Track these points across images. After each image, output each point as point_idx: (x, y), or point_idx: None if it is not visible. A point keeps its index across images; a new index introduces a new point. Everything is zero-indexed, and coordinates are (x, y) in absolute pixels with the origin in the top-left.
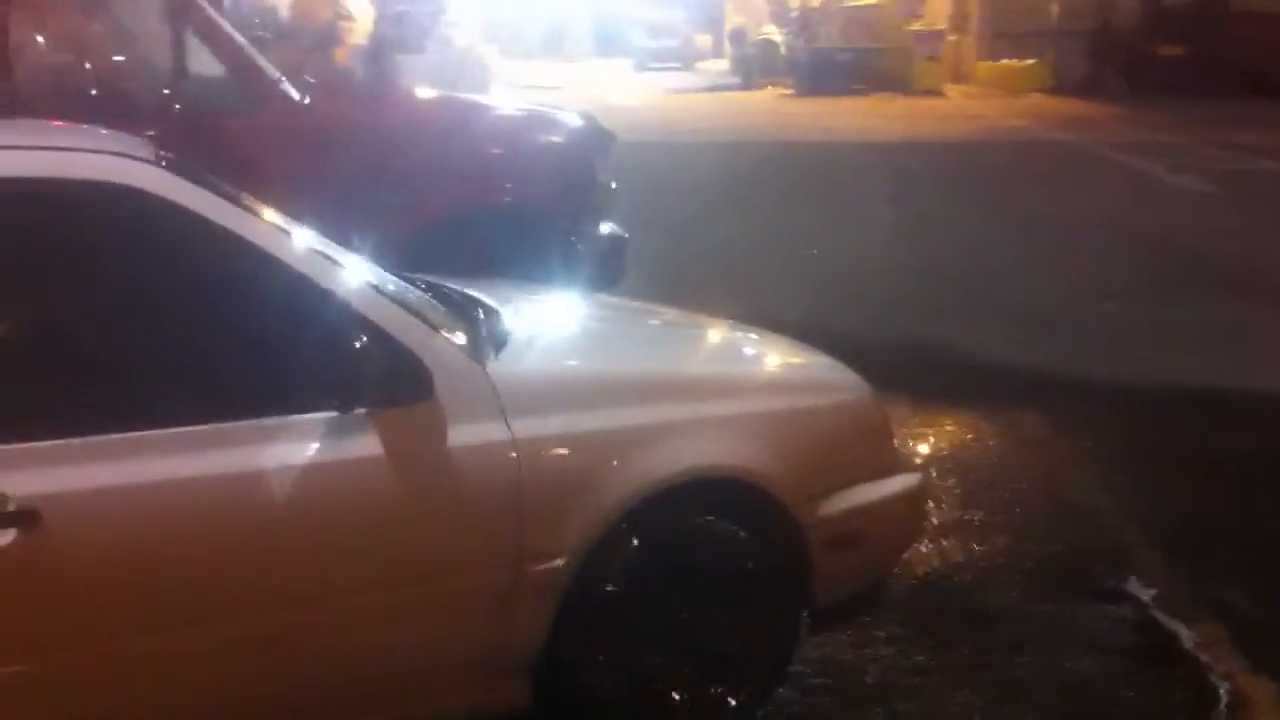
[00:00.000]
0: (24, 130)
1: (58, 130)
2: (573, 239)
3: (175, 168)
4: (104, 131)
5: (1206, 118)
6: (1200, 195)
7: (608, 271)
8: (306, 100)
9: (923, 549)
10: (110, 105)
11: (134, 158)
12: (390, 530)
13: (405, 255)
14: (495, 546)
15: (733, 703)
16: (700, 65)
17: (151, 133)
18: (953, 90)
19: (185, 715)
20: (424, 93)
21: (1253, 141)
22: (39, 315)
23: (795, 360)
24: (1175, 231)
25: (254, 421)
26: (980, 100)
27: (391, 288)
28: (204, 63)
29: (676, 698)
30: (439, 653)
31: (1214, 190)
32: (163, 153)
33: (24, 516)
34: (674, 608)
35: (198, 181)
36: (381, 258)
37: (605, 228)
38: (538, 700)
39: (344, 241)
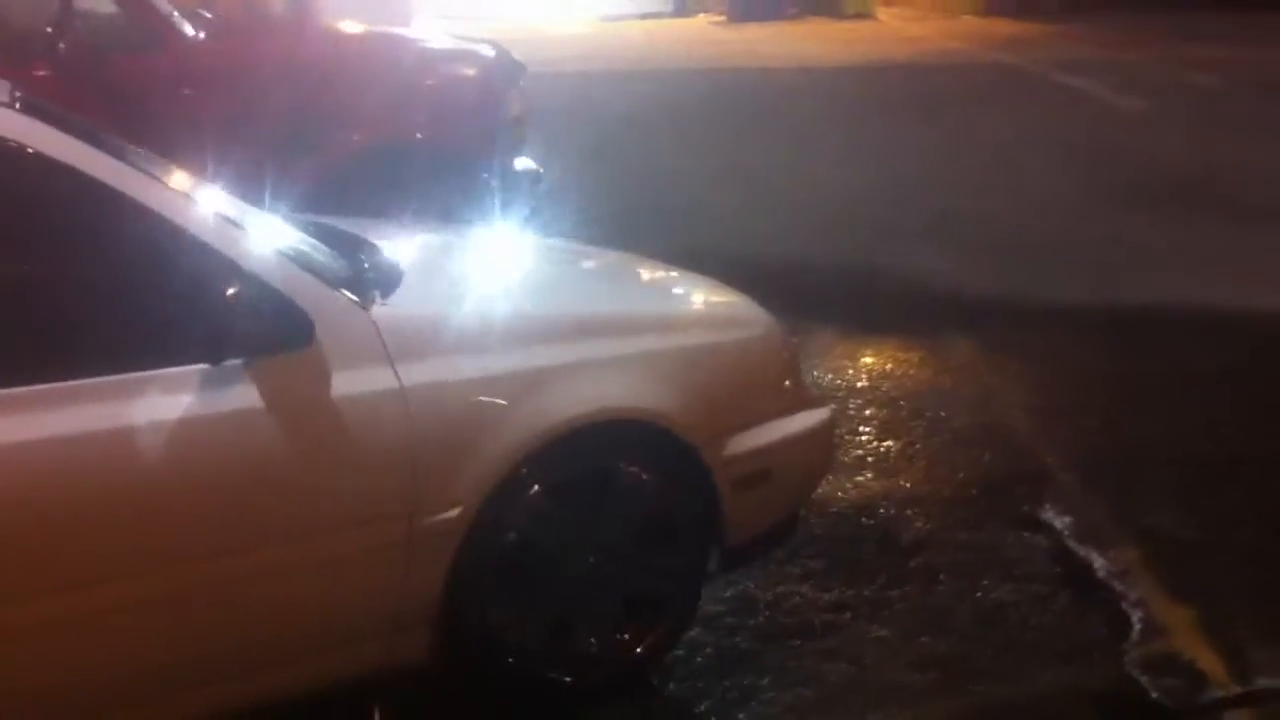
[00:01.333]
0: None
1: None
2: (485, 175)
3: (30, 109)
4: None
5: (1143, 34)
6: (1141, 113)
7: (521, 207)
8: (200, 36)
9: (840, 482)
10: None
11: None
12: (272, 484)
13: (310, 196)
14: (386, 497)
15: (642, 647)
16: None
17: (39, 73)
18: (885, 14)
19: (73, 683)
20: (329, 27)
21: (1190, 56)
22: None
23: (699, 297)
24: (1116, 150)
25: (122, 376)
26: (915, 23)
27: (272, 232)
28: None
29: (585, 644)
30: (334, 608)
31: (1154, 107)
32: (18, 94)
33: None
34: (580, 552)
35: (55, 124)
36: (289, 198)
37: (520, 162)
38: (444, 653)
39: (250, 184)
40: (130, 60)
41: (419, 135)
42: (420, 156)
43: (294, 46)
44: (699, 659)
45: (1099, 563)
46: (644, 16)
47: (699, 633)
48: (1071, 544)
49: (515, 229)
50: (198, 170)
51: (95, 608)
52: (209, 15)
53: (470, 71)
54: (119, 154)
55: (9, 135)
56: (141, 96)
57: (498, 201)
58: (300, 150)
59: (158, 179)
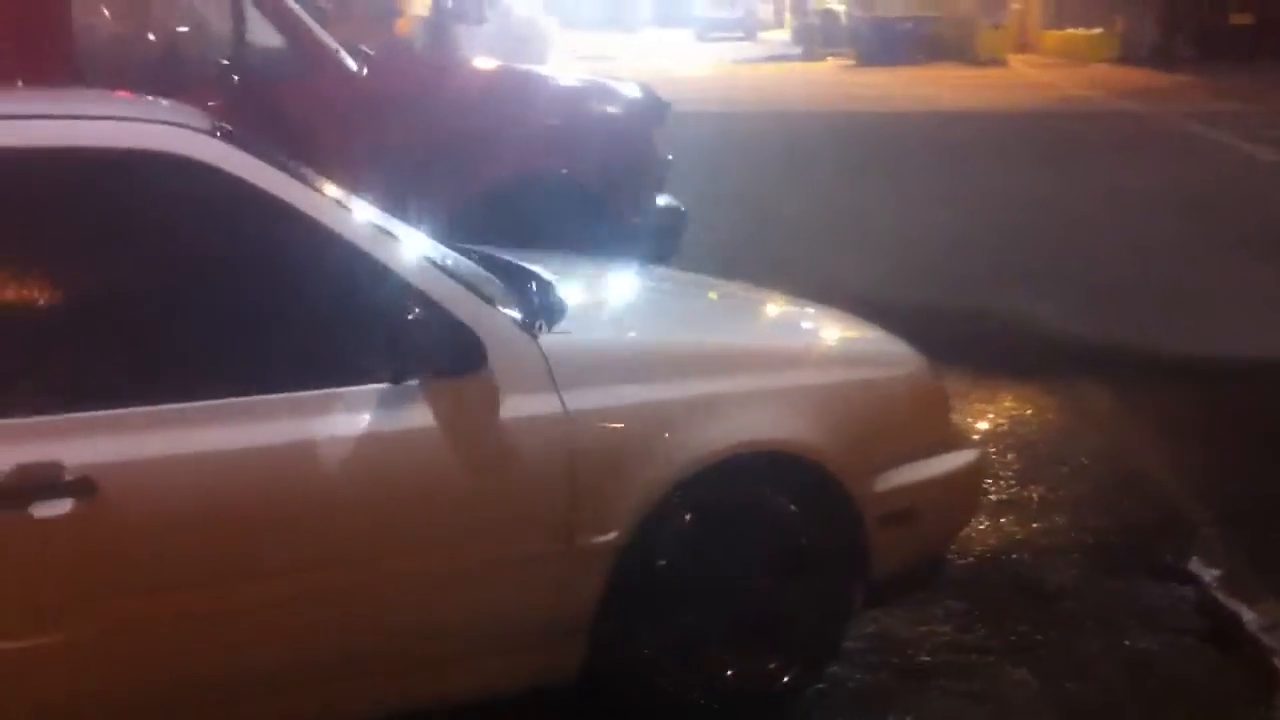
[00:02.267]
0: (84, 100)
1: (117, 100)
2: (628, 211)
3: (232, 139)
4: (163, 102)
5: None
6: (1275, 163)
7: (664, 244)
8: (363, 71)
9: (982, 526)
10: (170, 75)
11: (192, 128)
12: (441, 499)
13: (461, 226)
14: (546, 518)
15: (785, 678)
16: (762, 35)
17: (211, 103)
18: (1016, 60)
19: (241, 674)
20: (481, 63)
21: None
22: (97, 286)
23: (851, 334)
24: (1250, 202)
25: (307, 393)
26: (1046, 70)
27: (445, 260)
28: (263, 33)
29: (728, 671)
30: (490, 620)
31: None
32: (220, 123)
33: (81, 485)
34: (727, 581)
35: (254, 153)
36: (437, 229)
37: (662, 200)
38: (592, 672)
39: (400, 212)
40: (297, 90)
41: (564, 171)
42: (566, 191)
43: (450, 81)
44: (840, 694)
45: (1247, 616)
46: (772, 59)
47: (841, 668)
48: (1218, 596)
49: (661, 265)
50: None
51: (277, 599)
52: (369, 51)
53: (616, 109)
54: (310, 183)
55: (213, 162)
56: (308, 126)
57: (644, 237)
58: (453, 181)
59: (346, 208)
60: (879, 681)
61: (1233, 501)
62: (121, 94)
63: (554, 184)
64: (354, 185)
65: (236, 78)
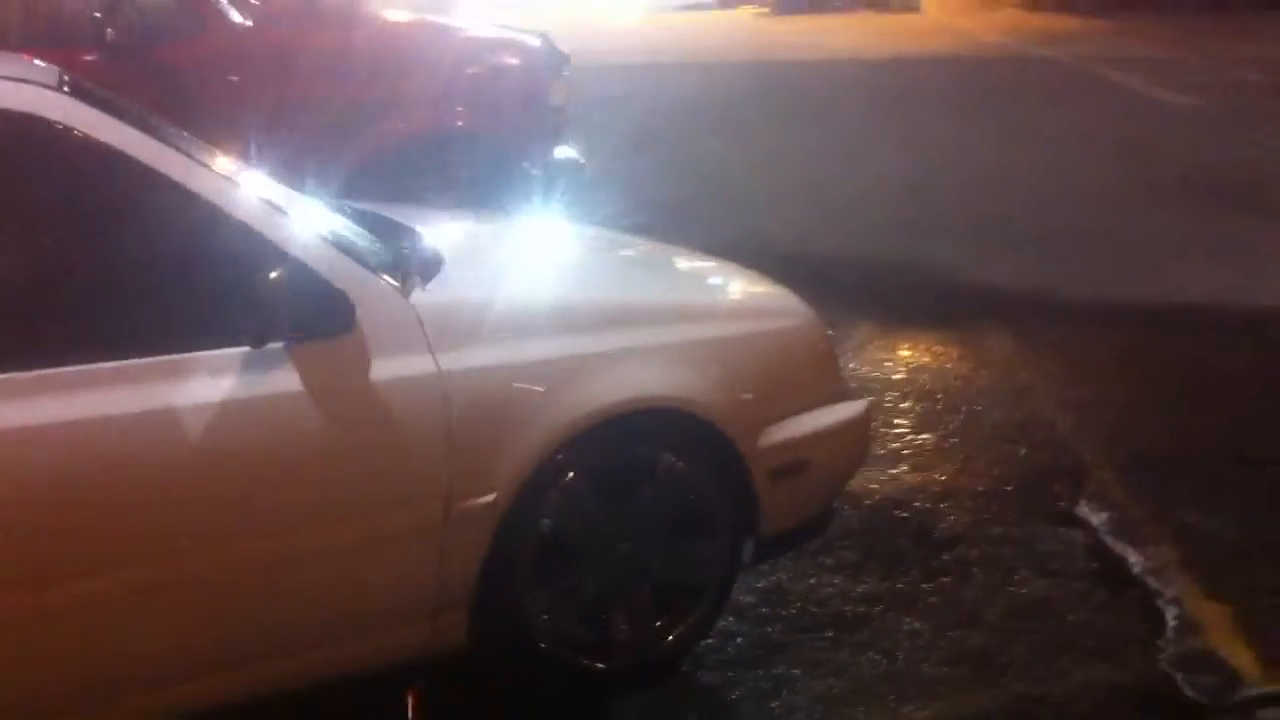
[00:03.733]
0: None
1: None
2: (527, 164)
3: (80, 93)
4: (11, 56)
5: (1190, 31)
6: (1186, 109)
7: (563, 196)
8: (248, 24)
9: (875, 475)
10: (42, 31)
11: (35, 83)
12: (311, 467)
13: (356, 183)
14: (423, 482)
15: (674, 635)
16: None
17: (87, 59)
18: (931, 6)
19: (110, 663)
20: (375, 15)
21: (1239, 54)
22: None
23: (738, 288)
24: (1163, 147)
25: (165, 357)
26: (960, 16)
27: (315, 218)
28: None
29: (617, 631)
30: (371, 591)
31: (1200, 103)
32: (69, 78)
33: None
34: (615, 540)
35: (104, 108)
36: (326, 186)
37: (563, 152)
38: (480, 638)
39: (292, 172)
40: (176, 47)
41: (461, 124)
42: (462, 144)
43: (339, 34)
44: (731, 648)
45: (1135, 559)
46: (688, 8)
47: (732, 622)
48: (1108, 540)
49: (556, 218)
50: (242, 156)
51: (134, 587)
52: (256, 2)
53: (514, 60)
54: (165, 138)
55: (57, 118)
56: (187, 82)
57: (539, 190)
58: (344, 137)
59: (203, 163)
60: (770, 635)
61: (1131, 447)
62: None
63: (449, 137)
64: (243, 145)
65: (111, 32)
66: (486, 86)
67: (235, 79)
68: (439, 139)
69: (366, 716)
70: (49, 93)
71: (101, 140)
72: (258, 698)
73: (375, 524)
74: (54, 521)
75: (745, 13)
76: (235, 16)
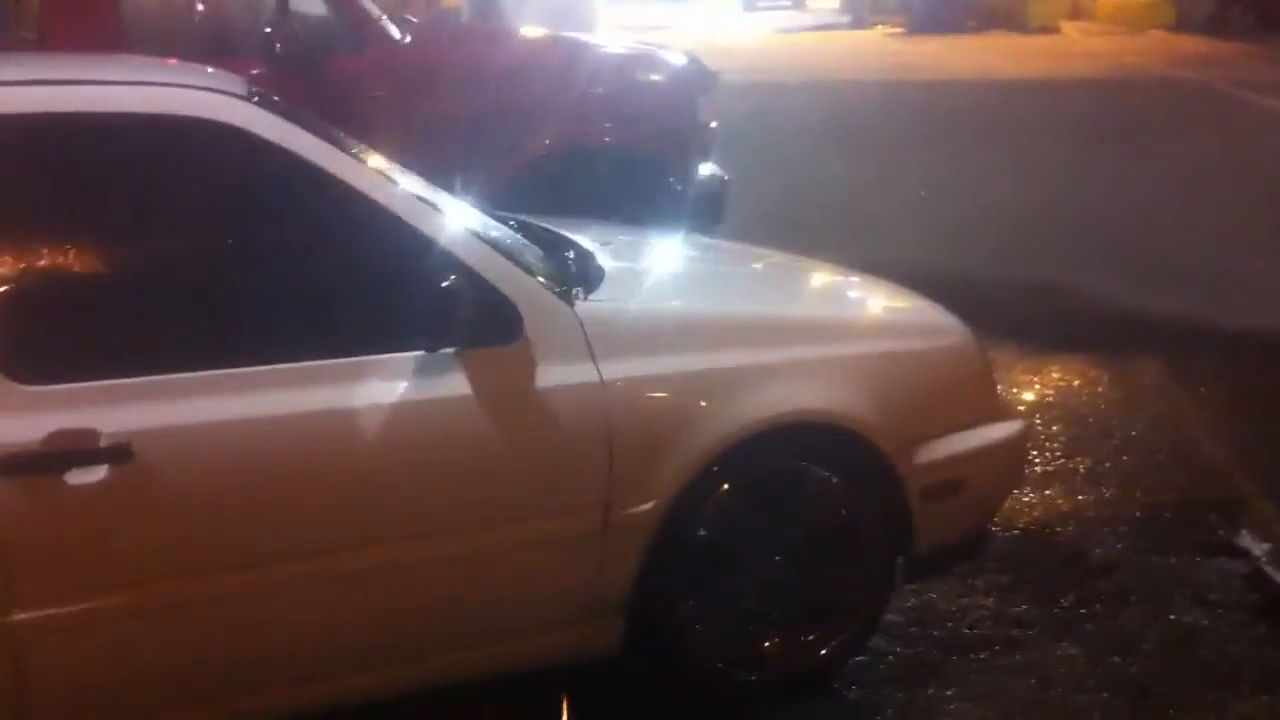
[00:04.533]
0: (123, 66)
1: (155, 66)
2: (673, 180)
3: (270, 105)
4: (201, 68)
5: None
6: None
7: (708, 213)
8: (407, 40)
9: (1027, 498)
10: (213, 43)
11: (229, 94)
12: (477, 469)
13: (506, 195)
14: (583, 488)
15: (825, 650)
16: (809, 4)
17: (255, 71)
18: (1070, 26)
19: (279, 652)
20: (526, 32)
21: None
22: (137, 251)
23: (894, 304)
24: None
25: (345, 359)
26: (1099, 37)
27: (484, 228)
28: (309, 3)
29: (768, 644)
30: (528, 592)
31: None
32: (258, 89)
33: (117, 452)
34: (767, 553)
35: (292, 119)
36: (481, 198)
37: (706, 169)
38: (633, 644)
39: (444, 182)
40: (340, 61)
41: (607, 139)
42: (609, 160)
43: (492, 51)
44: (881, 667)
45: None
46: (819, 28)
47: (882, 641)
48: (1269, 571)
49: (703, 234)
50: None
51: (304, 579)
52: (413, 20)
53: (660, 77)
54: (348, 150)
55: (248, 128)
56: (349, 95)
57: (685, 207)
58: (495, 150)
59: (383, 175)
60: (921, 654)
61: None
62: (158, 60)
63: (599, 153)
64: (399, 155)
65: (279, 46)
66: (633, 103)
67: (393, 93)
68: (586, 154)
69: (514, 717)
70: (240, 103)
71: (290, 150)
72: (419, 691)
73: (537, 525)
74: (237, 512)
75: (878, 33)
76: (394, 33)
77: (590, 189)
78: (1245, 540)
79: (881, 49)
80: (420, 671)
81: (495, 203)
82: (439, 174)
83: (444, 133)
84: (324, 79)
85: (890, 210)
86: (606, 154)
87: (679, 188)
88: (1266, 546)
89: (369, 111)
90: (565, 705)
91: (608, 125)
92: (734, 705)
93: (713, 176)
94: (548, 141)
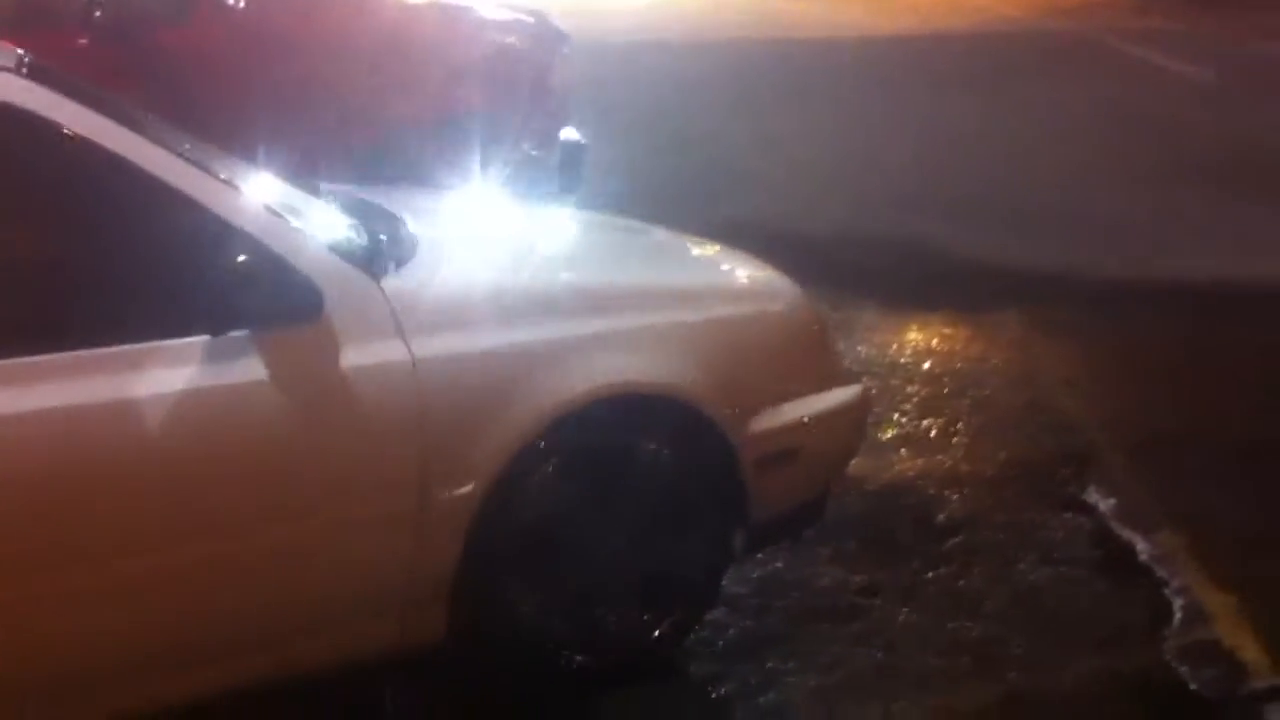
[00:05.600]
0: None
1: None
2: (527, 145)
3: (43, 77)
4: None
5: (1214, 2)
6: (1205, 85)
7: (565, 179)
8: (240, 5)
9: (876, 461)
10: (31, 12)
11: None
12: (278, 458)
13: (346, 165)
14: (396, 472)
15: (662, 628)
16: None
17: (78, 42)
18: None
19: (76, 657)
20: None
21: (1265, 26)
22: None
23: (724, 270)
24: (1182, 125)
25: (124, 347)
26: None
27: (285, 202)
28: None
29: (602, 624)
30: (344, 583)
31: (1219, 79)
32: (25, 59)
33: None
34: (598, 531)
35: (61, 89)
36: (312, 170)
37: (564, 134)
38: (460, 632)
39: (272, 156)
40: (166, 30)
41: (462, 106)
42: (463, 128)
43: (337, 15)
44: (722, 641)
45: (1142, 546)
46: None
47: (723, 614)
48: (1114, 527)
49: (554, 200)
50: (226, 142)
51: (94, 584)
52: None
53: (512, 40)
54: (126, 120)
55: (13, 100)
56: (177, 66)
57: (540, 173)
58: (343, 123)
59: (166, 146)
60: (764, 626)
61: (1138, 432)
62: None
63: (450, 120)
64: (231, 129)
65: (99, 14)
66: (487, 68)
67: (223, 63)
68: (439, 122)
69: (345, 715)
70: (8, 76)
71: (59, 124)
72: (228, 695)
73: (346, 515)
74: (13, 512)
75: None
76: None
77: (446, 158)
78: (1092, 495)
79: (766, 7)
80: (240, 670)
81: (346, 176)
82: (270, 149)
83: (278, 104)
84: (149, 49)
85: (760, 169)
86: (461, 121)
87: (535, 154)
88: (1112, 501)
89: (197, 82)
90: (389, 700)
91: (461, 92)
92: (570, 689)
93: (570, 141)
94: (394, 110)
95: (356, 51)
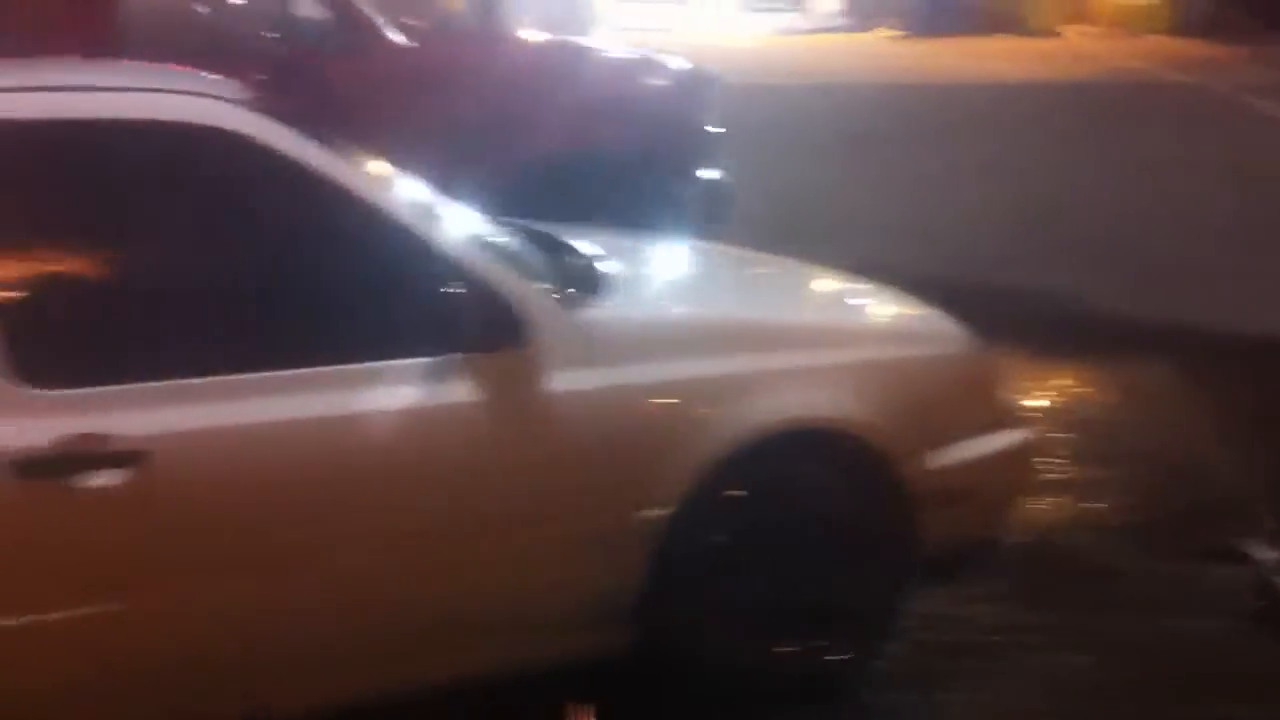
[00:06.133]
0: (118, 72)
1: (150, 72)
2: (674, 184)
3: (274, 112)
4: (205, 75)
5: None
6: None
7: (710, 217)
8: (410, 43)
9: (1033, 506)
10: (217, 48)
11: (225, 100)
12: (482, 475)
13: (505, 200)
14: (592, 493)
15: (836, 656)
16: (811, 6)
17: (260, 77)
18: (1070, 30)
19: (288, 655)
20: (527, 36)
21: None
22: (145, 257)
23: (901, 311)
24: None
25: (351, 366)
26: (1098, 40)
27: (487, 235)
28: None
29: (780, 650)
30: (537, 595)
31: None
32: (258, 97)
33: (132, 456)
34: (777, 559)
35: (296, 127)
36: (485, 203)
37: (708, 173)
38: (643, 649)
39: (448, 187)
40: (343, 65)
41: (606, 144)
42: (611, 165)
43: (496, 55)
44: (891, 671)
45: None
46: (818, 31)
47: (892, 646)
48: (1275, 579)
49: (705, 238)
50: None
51: (310, 582)
52: (415, 23)
53: (663, 82)
54: (349, 157)
55: (251, 135)
56: (353, 100)
57: (688, 211)
58: (501, 156)
59: (388, 181)
60: (928, 660)
61: None
62: (160, 66)
63: (600, 158)
64: (403, 160)
65: (281, 50)
66: (635, 107)
67: (395, 97)
68: (585, 158)
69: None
70: (245, 111)
71: (294, 158)
72: (427, 692)
73: (542, 531)
74: (248, 516)
75: (878, 35)
76: (396, 37)
77: (593, 195)
78: (1251, 547)
79: (882, 51)
80: (437, 669)
81: (501, 209)
82: (442, 179)
83: (447, 138)
84: (326, 83)
85: (888, 214)
86: (608, 158)
87: (680, 192)
88: (1273, 554)
89: (371, 116)
90: (574, 712)
91: (610, 130)
92: (746, 711)
93: (716, 180)
94: (550, 147)
95: (517, 87)
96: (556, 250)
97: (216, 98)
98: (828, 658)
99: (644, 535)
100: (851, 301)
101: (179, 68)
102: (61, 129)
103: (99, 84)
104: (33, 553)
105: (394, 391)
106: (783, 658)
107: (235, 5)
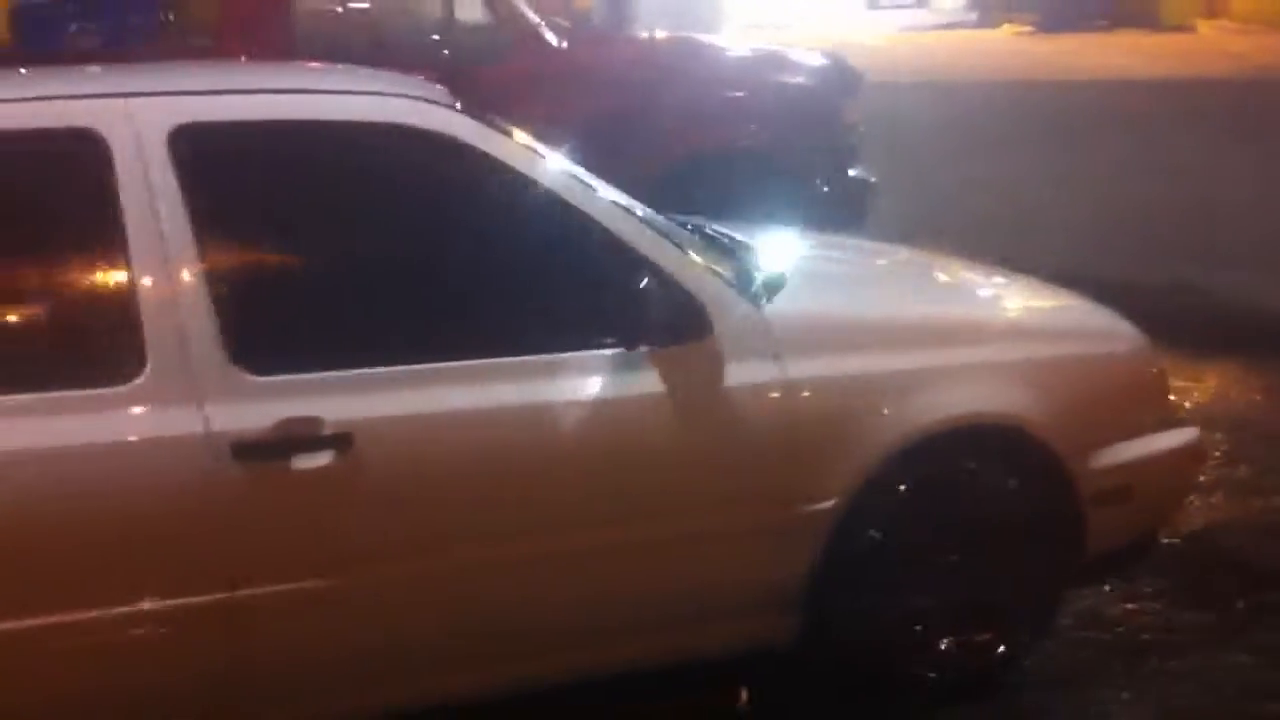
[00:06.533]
0: (335, 76)
1: (368, 76)
2: (818, 182)
3: (474, 113)
4: (408, 78)
5: None
6: None
7: (852, 215)
8: (564, 46)
9: (1192, 504)
10: (383, 50)
11: (434, 102)
12: (664, 465)
13: (652, 198)
14: (767, 483)
15: (998, 651)
16: (934, 1)
17: (422, 78)
18: (1206, 25)
19: (489, 630)
20: (669, 37)
21: None
22: (357, 251)
23: (1071, 308)
24: None
25: (547, 356)
26: (1237, 36)
27: (668, 230)
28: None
29: (942, 643)
30: (712, 582)
31: None
32: (458, 98)
33: (339, 439)
34: (942, 552)
35: (495, 127)
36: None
37: (851, 170)
38: (809, 639)
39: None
40: (504, 67)
41: (751, 142)
42: (752, 162)
43: (644, 55)
44: (1051, 669)
45: None
46: (945, 27)
47: (1052, 644)
48: None
49: (855, 236)
50: None
51: (506, 560)
52: (567, 24)
53: (802, 80)
54: (545, 157)
55: (461, 137)
56: (513, 101)
57: (830, 209)
58: (645, 155)
59: (581, 180)
60: (1090, 658)
61: None
62: (371, 70)
63: (740, 156)
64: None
65: (447, 53)
66: (777, 105)
67: (553, 97)
68: (730, 156)
69: (689, 708)
70: (448, 111)
71: (498, 157)
72: (606, 675)
73: (720, 518)
74: (445, 496)
75: (1006, 31)
76: (552, 39)
77: (733, 192)
78: None
79: (1010, 49)
80: (608, 655)
81: (655, 206)
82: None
83: (599, 137)
84: (489, 85)
85: (1027, 211)
86: (750, 156)
87: (824, 189)
88: None
89: (530, 116)
90: (744, 698)
91: (752, 128)
92: (907, 703)
93: (858, 178)
94: (692, 146)
95: (662, 87)
96: (732, 246)
97: (431, 101)
98: (992, 653)
99: (814, 528)
100: (1021, 298)
101: (387, 72)
102: (288, 129)
103: (320, 87)
104: (248, 532)
105: (581, 382)
106: (946, 652)
107: (398, 9)
